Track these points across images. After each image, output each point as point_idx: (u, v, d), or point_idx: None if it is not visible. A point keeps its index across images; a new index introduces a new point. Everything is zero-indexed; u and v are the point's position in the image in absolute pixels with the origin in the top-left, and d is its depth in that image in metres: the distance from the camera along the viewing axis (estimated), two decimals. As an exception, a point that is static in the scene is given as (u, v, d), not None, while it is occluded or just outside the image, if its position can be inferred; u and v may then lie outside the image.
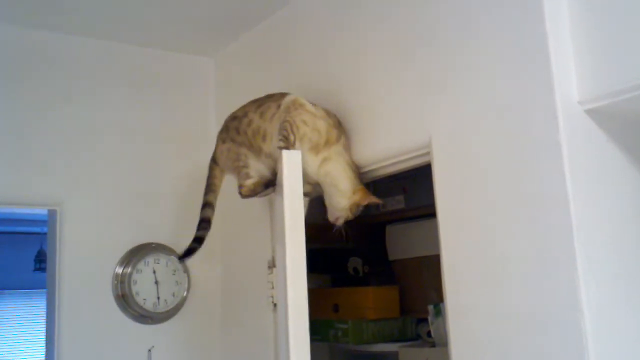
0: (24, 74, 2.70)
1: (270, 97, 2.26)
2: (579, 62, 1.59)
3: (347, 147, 2.16)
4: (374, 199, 2.11)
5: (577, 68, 1.59)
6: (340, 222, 2.12)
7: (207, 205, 2.37)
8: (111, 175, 2.81)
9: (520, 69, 1.64)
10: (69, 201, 2.69)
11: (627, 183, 1.65)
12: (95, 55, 2.86)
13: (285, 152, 1.82)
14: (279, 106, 2.18)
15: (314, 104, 2.16)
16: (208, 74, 3.15)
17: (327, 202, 2.15)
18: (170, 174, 2.95)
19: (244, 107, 2.31)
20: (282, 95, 2.24)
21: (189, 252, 2.35)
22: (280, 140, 2.05)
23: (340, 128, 2.17)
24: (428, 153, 1.91)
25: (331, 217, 2.14)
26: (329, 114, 2.16)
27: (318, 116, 2.12)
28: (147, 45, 2.98)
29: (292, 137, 2.05)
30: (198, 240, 2.35)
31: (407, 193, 2.85)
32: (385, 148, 2.08)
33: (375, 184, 2.75)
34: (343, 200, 2.09)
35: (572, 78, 1.59)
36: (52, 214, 2.68)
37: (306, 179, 2.06)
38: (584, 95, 1.57)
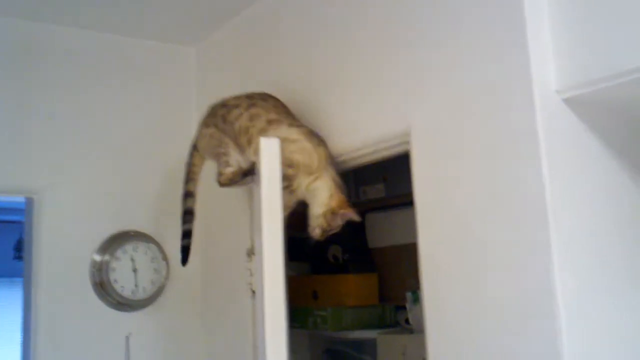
0: (5, 64, 2.67)
1: (263, 99, 2.22)
2: (557, 51, 1.59)
3: (332, 159, 2.11)
4: (351, 213, 2.02)
5: (555, 57, 1.59)
6: (316, 232, 2.04)
7: (188, 194, 2.35)
8: (90, 163, 2.78)
9: (498, 58, 1.64)
10: (46, 189, 2.67)
11: (604, 172, 1.66)
12: (75, 44, 2.83)
13: (263, 140, 1.81)
14: (269, 122, 2.14)
15: (297, 124, 2.15)
16: (189, 63, 3.13)
17: (309, 216, 2.08)
18: (149, 162, 2.93)
19: (236, 98, 2.27)
20: (275, 101, 2.22)
21: (185, 250, 2.33)
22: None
23: (320, 139, 2.13)
24: (407, 142, 1.91)
25: (310, 229, 2.07)
26: (310, 133, 2.13)
27: (302, 140, 2.09)
28: (127, 35, 2.95)
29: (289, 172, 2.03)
30: (187, 235, 2.33)
31: (387, 181, 2.85)
32: (365, 137, 2.08)
33: (355, 173, 2.76)
34: (319, 208, 2.04)
35: (550, 67, 1.59)
36: (29, 202, 2.65)
37: (295, 199, 2.07)
38: (561, 84, 1.57)
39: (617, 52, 1.49)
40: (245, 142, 2.17)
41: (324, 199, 2.04)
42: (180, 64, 3.11)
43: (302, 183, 2.07)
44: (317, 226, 2.04)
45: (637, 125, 1.75)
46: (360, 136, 2.09)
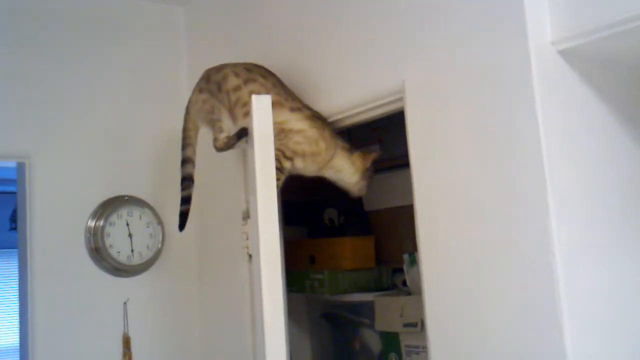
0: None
1: (263, 76, 2.20)
2: (552, 2, 1.56)
3: (334, 134, 2.18)
4: (373, 155, 2.17)
5: (551, 7, 1.56)
6: (364, 191, 2.21)
7: (187, 160, 2.33)
8: (81, 127, 2.76)
9: (492, 9, 1.61)
10: (38, 154, 2.64)
11: (600, 124, 1.64)
12: (62, 5, 2.79)
13: (255, 97, 1.78)
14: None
15: (297, 107, 2.15)
16: (178, 23, 3.08)
17: (342, 186, 2.22)
18: (142, 125, 2.90)
19: (233, 66, 2.24)
20: (274, 80, 2.21)
21: (183, 216, 2.31)
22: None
23: (323, 119, 2.17)
24: (401, 98, 1.89)
25: (354, 194, 2.22)
26: (312, 117, 2.15)
27: (307, 129, 2.13)
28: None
29: (282, 164, 2.08)
30: (186, 201, 2.31)
31: (382, 143, 2.82)
32: (359, 95, 2.05)
33: (350, 134, 2.73)
34: (353, 177, 2.17)
35: (545, 18, 1.56)
36: (21, 166, 2.62)
37: (304, 173, 2.17)
38: (557, 35, 1.55)
39: (612, 2, 1.46)
40: (242, 114, 2.16)
41: (350, 168, 2.17)
42: (169, 24, 3.06)
43: (311, 168, 2.16)
44: (363, 187, 2.20)
45: (632, 77, 1.73)
46: (354, 94, 2.07)
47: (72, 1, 2.81)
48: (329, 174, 2.19)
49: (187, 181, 2.32)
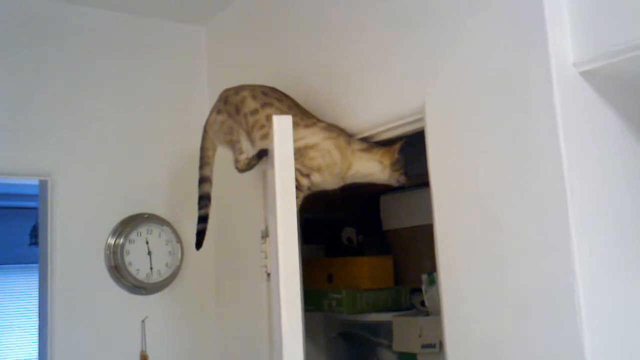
0: (16, 43, 2.67)
1: (279, 100, 2.21)
2: (574, 24, 1.56)
3: (351, 139, 2.16)
4: (397, 146, 2.11)
5: (573, 29, 1.56)
6: (402, 179, 2.14)
7: (204, 179, 2.34)
8: (103, 145, 2.78)
9: (515, 31, 1.61)
10: (60, 171, 2.67)
11: (622, 146, 1.63)
12: (87, 23, 2.83)
13: (276, 118, 1.79)
14: None
15: (312, 122, 2.15)
16: (200, 42, 3.11)
17: (376, 182, 2.20)
18: (163, 143, 2.93)
19: (251, 88, 2.25)
20: (290, 102, 2.22)
21: (200, 235, 2.32)
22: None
23: (338, 129, 2.16)
24: (422, 118, 1.89)
25: (395, 185, 2.18)
26: (327, 127, 2.15)
27: (320, 142, 2.12)
28: (139, 14, 2.95)
29: (299, 181, 2.08)
30: (203, 219, 2.32)
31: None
32: (379, 114, 2.06)
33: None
34: (383, 175, 2.13)
35: (567, 40, 1.56)
36: (43, 184, 2.65)
37: (327, 187, 2.17)
38: (579, 57, 1.55)
39: (634, 25, 1.46)
40: (259, 136, 2.18)
41: (376, 166, 2.13)
42: (191, 43, 3.10)
43: (332, 180, 2.15)
44: (398, 177, 2.13)
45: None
46: (375, 114, 2.08)
47: (95, 20, 2.85)
48: (358, 179, 2.17)
49: (204, 200, 2.33)
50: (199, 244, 2.33)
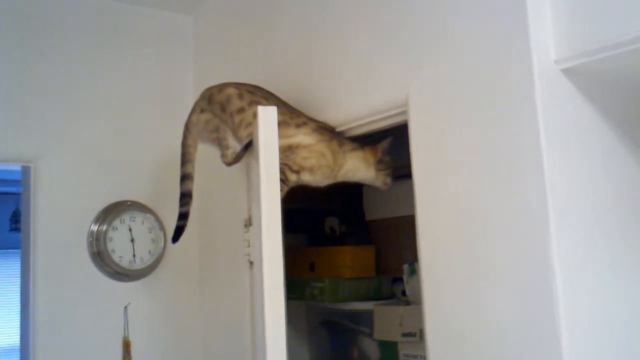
0: (0, 32, 2.65)
1: (265, 98, 2.22)
2: (557, 20, 1.58)
3: (342, 141, 2.19)
4: (380, 145, 2.18)
5: (555, 26, 1.58)
6: (388, 181, 2.21)
7: (186, 177, 2.33)
8: (86, 132, 2.78)
9: (498, 27, 1.63)
10: (43, 158, 2.67)
11: (602, 143, 1.66)
12: (70, 10, 2.82)
13: (260, 108, 1.80)
14: None
15: (303, 122, 2.16)
16: (186, 31, 3.11)
17: (367, 184, 2.28)
18: (147, 131, 2.93)
19: (236, 87, 2.24)
20: (277, 100, 2.22)
21: (179, 231, 2.32)
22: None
23: (329, 130, 2.19)
24: (405, 112, 1.91)
25: (381, 188, 2.24)
26: (318, 129, 2.17)
27: (314, 143, 2.15)
28: (125, 1, 2.93)
29: (287, 176, 2.11)
30: (184, 217, 2.32)
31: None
32: (362, 106, 2.07)
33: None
34: (369, 174, 2.20)
35: (549, 36, 1.58)
36: (25, 170, 2.65)
37: (316, 184, 2.20)
38: (561, 54, 1.57)
39: (616, 22, 1.48)
40: (246, 134, 2.18)
41: (363, 166, 2.19)
42: (177, 32, 3.09)
43: (323, 180, 2.18)
44: (384, 179, 2.21)
45: (635, 96, 1.75)
46: (358, 106, 2.09)
47: (79, 7, 2.83)
48: (348, 178, 2.21)
49: (186, 197, 2.32)
50: (175, 239, 2.33)
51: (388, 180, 2.21)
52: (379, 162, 2.18)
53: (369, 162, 2.18)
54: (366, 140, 2.21)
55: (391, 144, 2.18)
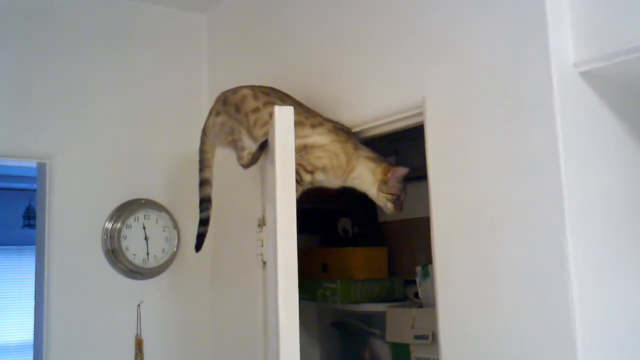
0: (16, 29, 2.67)
1: (280, 99, 2.21)
2: (575, 24, 1.58)
3: (358, 144, 2.18)
4: (398, 170, 2.08)
5: (574, 29, 1.58)
6: (389, 207, 2.11)
7: (205, 182, 2.32)
8: (102, 130, 2.79)
9: (516, 30, 1.63)
10: (59, 155, 2.68)
11: (619, 148, 1.66)
12: (87, 9, 2.83)
13: (277, 108, 1.81)
14: None
15: (319, 122, 2.16)
16: (201, 30, 3.12)
17: (372, 199, 2.18)
18: (162, 129, 2.94)
19: (251, 88, 2.25)
20: (292, 102, 2.21)
21: (201, 237, 2.31)
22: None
23: (345, 131, 2.17)
24: (421, 113, 1.91)
25: (384, 209, 2.15)
26: (334, 129, 2.16)
27: (328, 143, 2.14)
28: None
29: (302, 177, 2.11)
30: (204, 222, 2.31)
31: (399, 155, 2.84)
32: (379, 108, 2.07)
33: (367, 146, 2.75)
34: (372, 189, 2.13)
35: (568, 40, 1.58)
36: (41, 167, 2.66)
37: (328, 185, 2.18)
38: (579, 57, 1.57)
39: (634, 26, 1.48)
40: (262, 134, 2.17)
41: (369, 178, 2.13)
42: (192, 30, 3.10)
43: (334, 181, 2.17)
44: (384, 202, 2.11)
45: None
46: (375, 107, 2.09)
47: (95, 6, 2.84)
48: (355, 185, 2.18)
49: (205, 202, 2.31)
50: (198, 247, 2.31)
51: (389, 205, 2.10)
52: (384, 183, 2.10)
53: (376, 177, 2.12)
54: (378, 147, 2.19)
55: (406, 175, 2.09)
